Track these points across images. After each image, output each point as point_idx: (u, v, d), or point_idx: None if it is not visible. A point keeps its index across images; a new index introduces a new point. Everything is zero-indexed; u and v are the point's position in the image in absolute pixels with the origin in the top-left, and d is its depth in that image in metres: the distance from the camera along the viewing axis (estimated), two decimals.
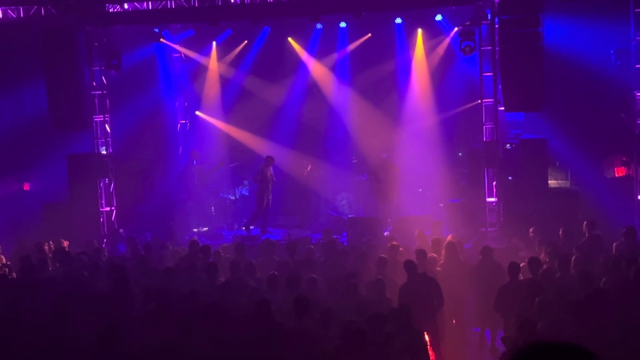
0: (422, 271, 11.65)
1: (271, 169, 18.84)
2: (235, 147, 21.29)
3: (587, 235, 13.61)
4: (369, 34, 20.27)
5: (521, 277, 11.45)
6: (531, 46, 15.51)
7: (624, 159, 17.94)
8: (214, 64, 21.34)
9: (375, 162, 19.04)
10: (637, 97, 16.52)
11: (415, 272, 11.41)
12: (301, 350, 8.44)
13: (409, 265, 11.51)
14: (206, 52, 21.27)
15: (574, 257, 11.77)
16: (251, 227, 18.80)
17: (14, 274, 13.38)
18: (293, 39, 20.75)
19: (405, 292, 10.95)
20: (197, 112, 21.97)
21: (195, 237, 16.21)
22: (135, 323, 9.55)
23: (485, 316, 12.36)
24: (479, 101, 17.04)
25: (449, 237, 14.18)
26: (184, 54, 21.37)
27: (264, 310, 9.38)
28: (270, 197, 18.96)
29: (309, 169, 19.55)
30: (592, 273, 10.81)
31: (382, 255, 12.70)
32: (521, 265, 11.72)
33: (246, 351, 8.52)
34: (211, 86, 21.68)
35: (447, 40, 19.68)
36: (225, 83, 21.67)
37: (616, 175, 18.11)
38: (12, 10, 17.49)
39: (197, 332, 8.82)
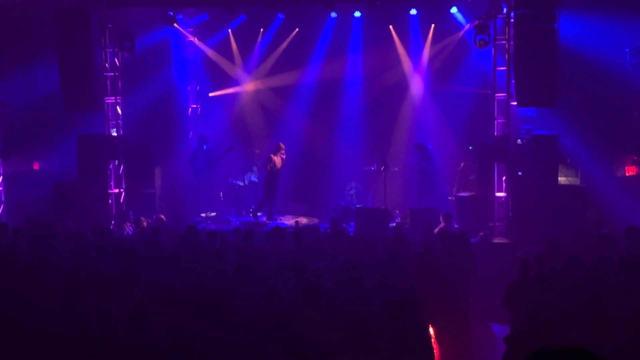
0: None
1: (280, 156, 18.88)
2: (245, 133, 21.35)
3: (596, 233, 13.57)
4: (390, 26, 20.24)
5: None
6: (546, 42, 15.42)
7: (635, 158, 17.87)
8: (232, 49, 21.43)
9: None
10: None
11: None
12: (307, 340, 8.44)
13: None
14: (218, 39, 21.30)
15: (581, 256, 11.74)
16: (258, 214, 18.85)
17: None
18: (306, 28, 20.68)
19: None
20: (210, 94, 21.99)
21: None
22: (143, 306, 9.56)
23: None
24: (489, 92, 17.02)
25: None
26: (196, 40, 21.33)
27: (271, 299, 9.40)
28: (277, 184, 19.05)
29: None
30: (600, 272, 10.78)
31: (390, 247, 12.70)
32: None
33: (253, 339, 8.53)
34: (222, 74, 21.73)
35: (462, 33, 19.58)
36: (237, 71, 21.74)
37: (626, 174, 18.04)
38: None
39: (204, 318, 8.83)
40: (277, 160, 18.81)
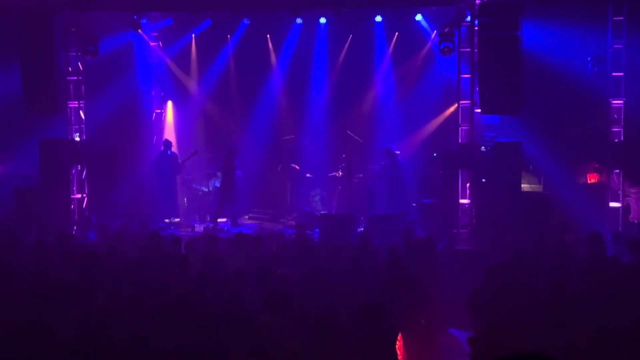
0: None
1: (234, 160, 18.97)
2: (210, 138, 21.28)
3: (558, 240, 13.68)
4: (350, 35, 20.30)
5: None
6: (509, 49, 15.52)
7: (597, 165, 18.06)
8: (192, 54, 21.29)
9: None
10: (612, 105, 16.68)
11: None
12: (272, 347, 8.41)
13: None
14: (183, 43, 21.16)
15: (544, 263, 11.84)
16: (219, 220, 18.84)
17: None
18: (272, 33, 20.68)
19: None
20: (169, 102, 21.85)
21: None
22: (106, 313, 9.46)
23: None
24: (456, 105, 17.13)
25: None
26: (161, 44, 21.19)
27: (236, 306, 9.36)
28: (235, 189, 19.07)
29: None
30: (562, 279, 10.87)
31: (355, 253, 12.71)
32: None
33: (217, 346, 8.48)
34: (187, 78, 21.60)
35: (427, 41, 19.68)
36: (202, 75, 21.59)
37: (588, 181, 18.22)
38: None
39: (168, 325, 8.76)
40: (231, 165, 19.02)
